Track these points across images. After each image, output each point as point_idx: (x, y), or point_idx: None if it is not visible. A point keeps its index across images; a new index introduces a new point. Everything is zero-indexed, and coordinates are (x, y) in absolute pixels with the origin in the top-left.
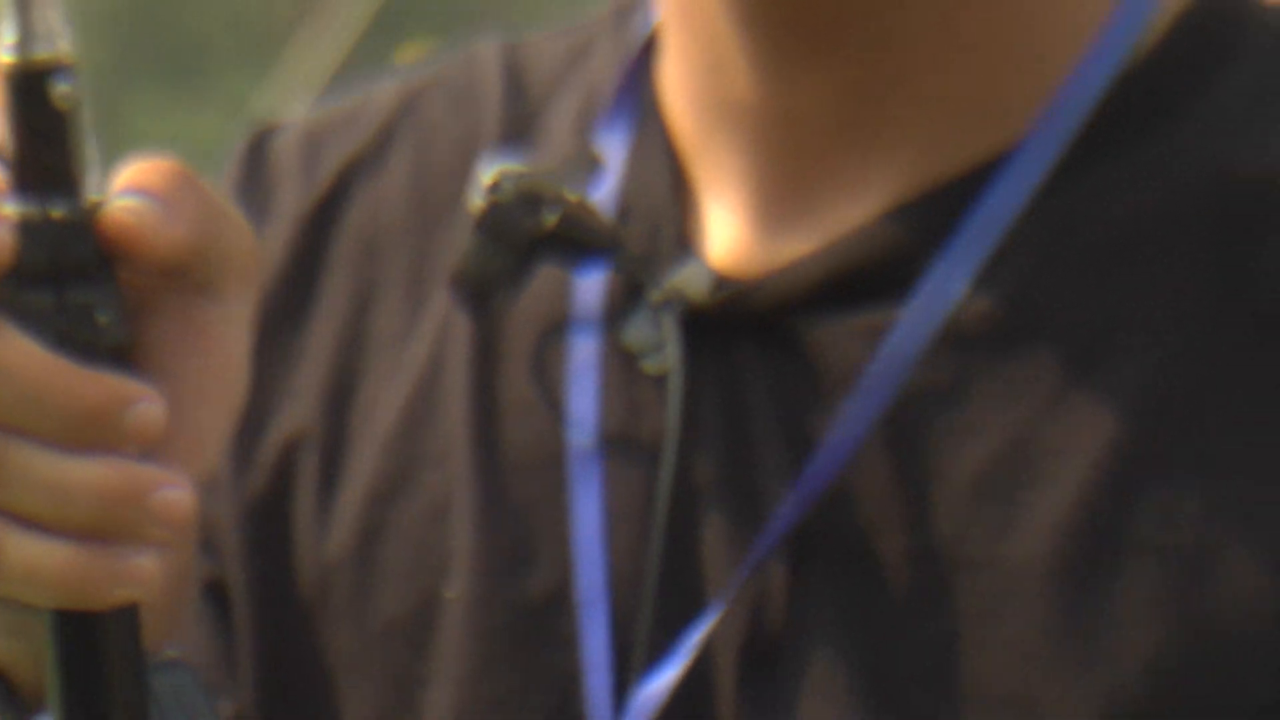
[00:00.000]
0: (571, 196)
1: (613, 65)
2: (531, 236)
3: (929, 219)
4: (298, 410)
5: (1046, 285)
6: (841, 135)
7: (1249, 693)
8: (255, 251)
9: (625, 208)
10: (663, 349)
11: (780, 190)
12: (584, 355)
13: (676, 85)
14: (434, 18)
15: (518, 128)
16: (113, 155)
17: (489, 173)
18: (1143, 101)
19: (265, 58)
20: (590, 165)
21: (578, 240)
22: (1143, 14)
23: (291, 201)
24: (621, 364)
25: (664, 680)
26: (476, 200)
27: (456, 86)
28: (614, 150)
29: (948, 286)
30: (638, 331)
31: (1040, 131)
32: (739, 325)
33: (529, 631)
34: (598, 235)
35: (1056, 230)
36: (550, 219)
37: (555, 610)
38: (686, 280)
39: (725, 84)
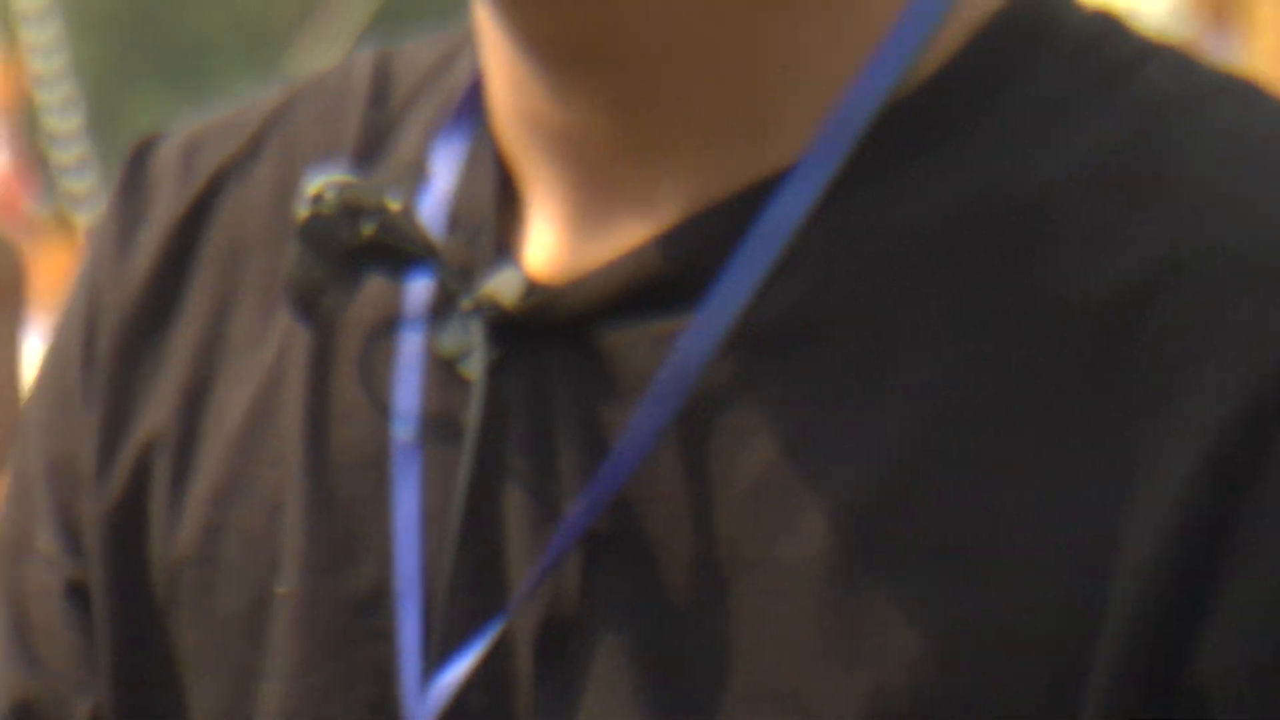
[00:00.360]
0: (393, 206)
1: (469, 74)
2: (349, 246)
3: (717, 229)
4: (156, 413)
5: (829, 294)
6: (625, 148)
7: (1020, 694)
8: (17, 270)
9: (454, 217)
10: (474, 353)
11: (586, 199)
12: (410, 357)
13: (496, 98)
14: (434, 17)
15: (375, 135)
16: (113, 155)
17: (314, 182)
18: (930, 114)
19: (265, 58)
20: (419, 175)
21: (395, 249)
22: (926, 29)
23: (165, 207)
24: (442, 366)
25: (457, 673)
26: (300, 210)
27: (329, 93)
28: (450, 159)
29: (734, 295)
30: (451, 337)
31: (822, 144)
32: (547, 331)
33: (351, 625)
34: (414, 244)
35: (840, 241)
36: (368, 229)
37: (375, 604)
38: (499, 287)
39: (525, 99)
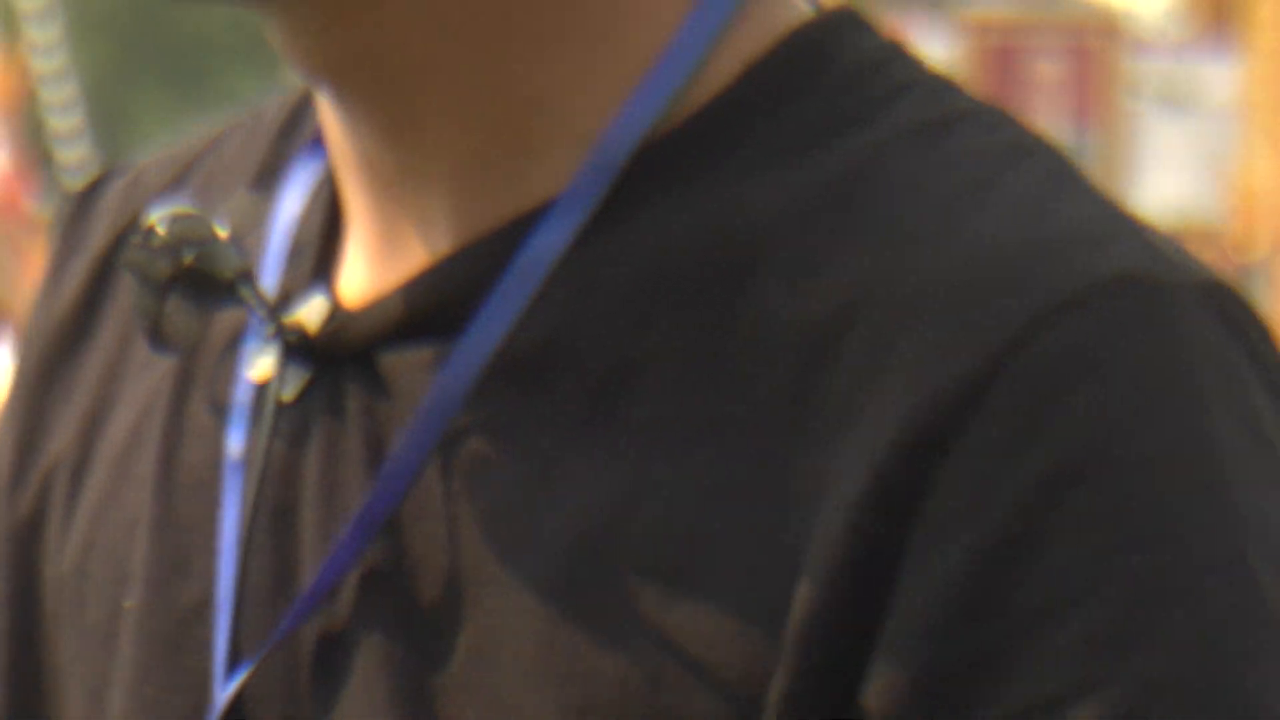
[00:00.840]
0: (221, 235)
1: None
2: (169, 276)
3: (481, 260)
4: (62, 435)
5: (576, 327)
6: (402, 174)
7: (714, 712)
8: None
9: (294, 244)
10: (283, 377)
11: (382, 225)
12: (244, 380)
13: (323, 128)
14: None
15: (273, 166)
16: (115, 156)
17: (151, 215)
18: (687, 149)
19: (265, 58)
20: (261, 205)
21: (212, 278)
22: (690, 66)
23: (99, 237)
24: (265, 390)
25: (234, 685)
26: (134, 240)
27: (257, 123)
28: (301, 187)
29: (493, 326)
30: (266, 361)
31: (582, 179)
32: (343, 356)
33: (179, 637)
34: (230, 272)
35: (589, 276)
36: (188, 258)
37: (200, 616)
38: (306, 312)
39: (330, 128)
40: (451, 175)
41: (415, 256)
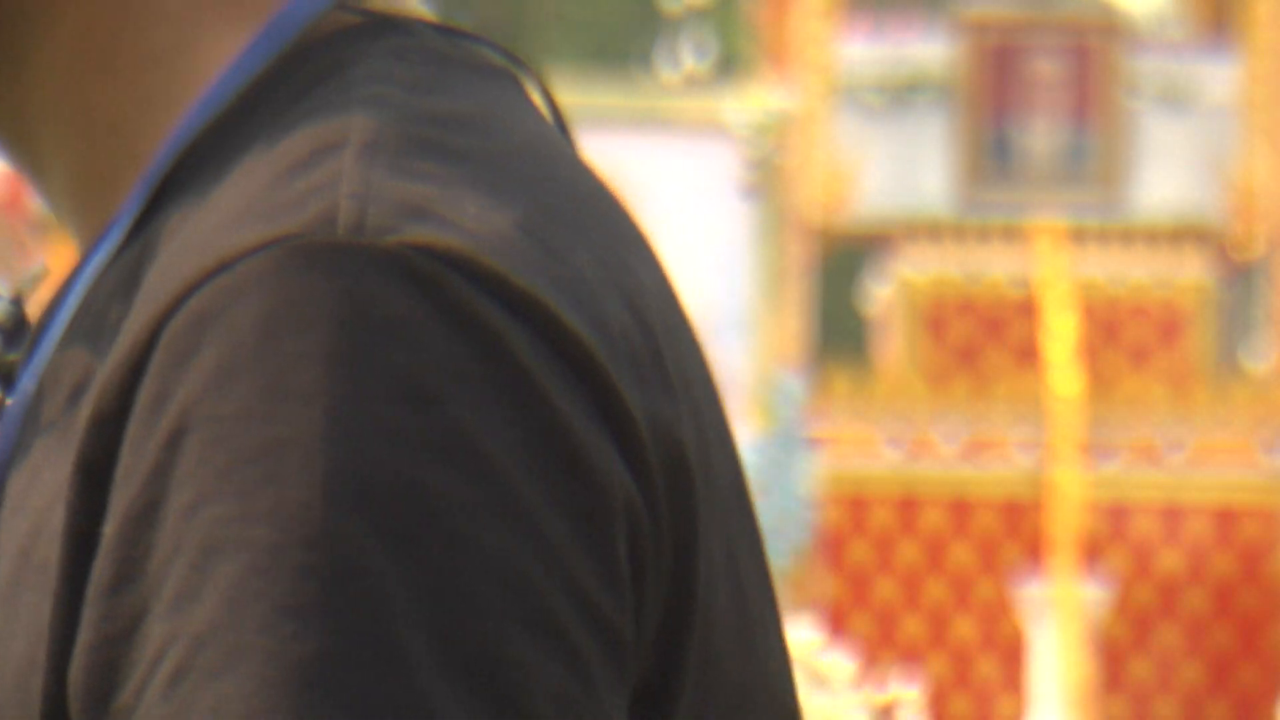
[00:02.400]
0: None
1: None
2: None
3: (60, 289)
4: None
5: (70, 344)
6: (57, 215)
7: (61, 691)
8: None
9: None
10: None
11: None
12: None
13: None
14: None
15: None
16: None
17: None
18: (179, 170)
19: None
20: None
21: None
22: (233, 88)
23: None
24: None
25: None
26: None
27: None
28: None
29: (43, 350)
30: None
31: (128, 200)
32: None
33: None
34: None
35: (88, 293)
36: None
37: None
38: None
39: None
40: (71, 207)
41: None
